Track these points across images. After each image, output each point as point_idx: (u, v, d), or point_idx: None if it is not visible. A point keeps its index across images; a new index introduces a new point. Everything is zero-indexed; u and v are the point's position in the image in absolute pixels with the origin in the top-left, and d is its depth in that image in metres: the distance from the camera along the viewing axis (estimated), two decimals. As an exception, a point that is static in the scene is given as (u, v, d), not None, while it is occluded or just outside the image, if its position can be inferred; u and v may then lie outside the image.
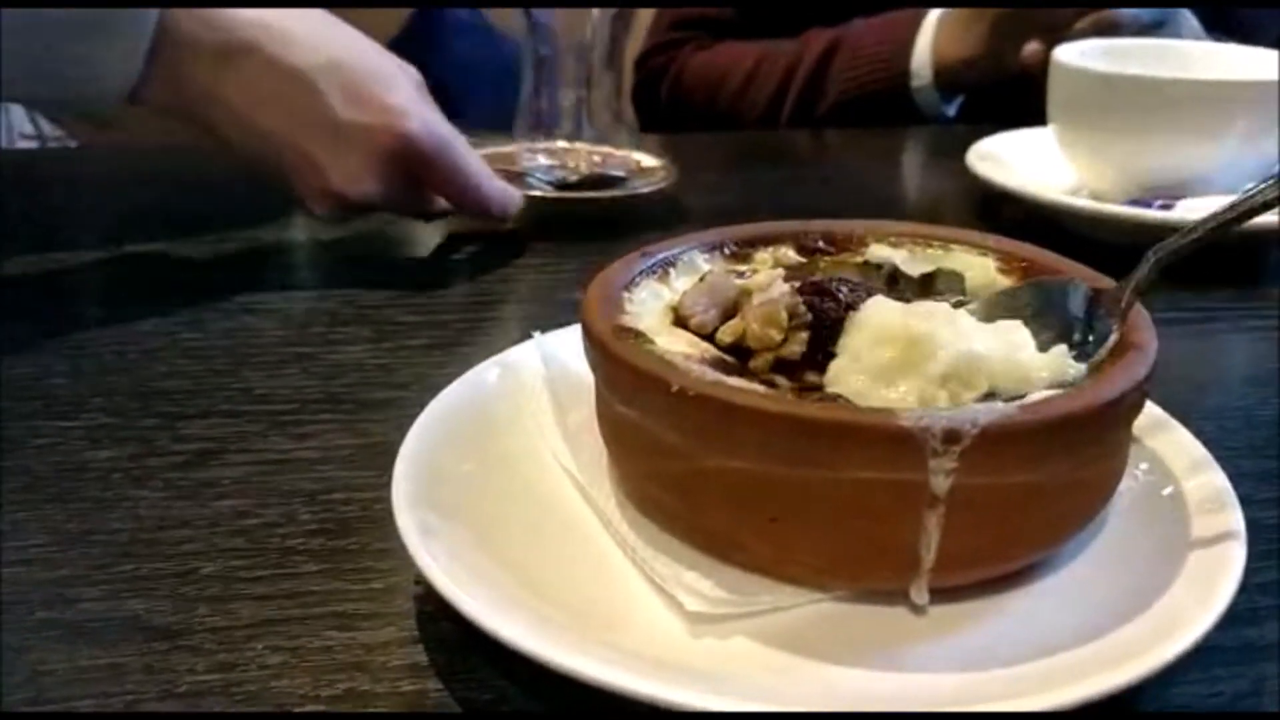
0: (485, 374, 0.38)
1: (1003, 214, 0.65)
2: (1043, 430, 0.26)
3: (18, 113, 1.72)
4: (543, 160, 0.69)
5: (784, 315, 0.31)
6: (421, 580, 0.31)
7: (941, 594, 0.28)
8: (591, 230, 0.64)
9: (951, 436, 0.25)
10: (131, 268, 0.60)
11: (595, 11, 0.67)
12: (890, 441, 0.25)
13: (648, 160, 0.71)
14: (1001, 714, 0.24)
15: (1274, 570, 0.33)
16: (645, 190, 0.67)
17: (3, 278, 0.57)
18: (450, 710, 0.28)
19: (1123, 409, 0.27)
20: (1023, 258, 0.36)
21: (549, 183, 0.67)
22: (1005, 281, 0.36)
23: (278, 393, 0.45)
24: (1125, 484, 0.32)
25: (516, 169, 0.68)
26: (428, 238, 0.65)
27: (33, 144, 1.74)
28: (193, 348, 0.49)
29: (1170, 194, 0.58)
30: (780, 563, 0.29)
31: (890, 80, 0.89)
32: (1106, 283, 0.34)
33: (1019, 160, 0.66)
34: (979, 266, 0.37)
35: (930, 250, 0.38)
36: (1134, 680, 0.24)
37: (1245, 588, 0.29)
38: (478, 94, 1.67)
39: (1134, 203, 0.59)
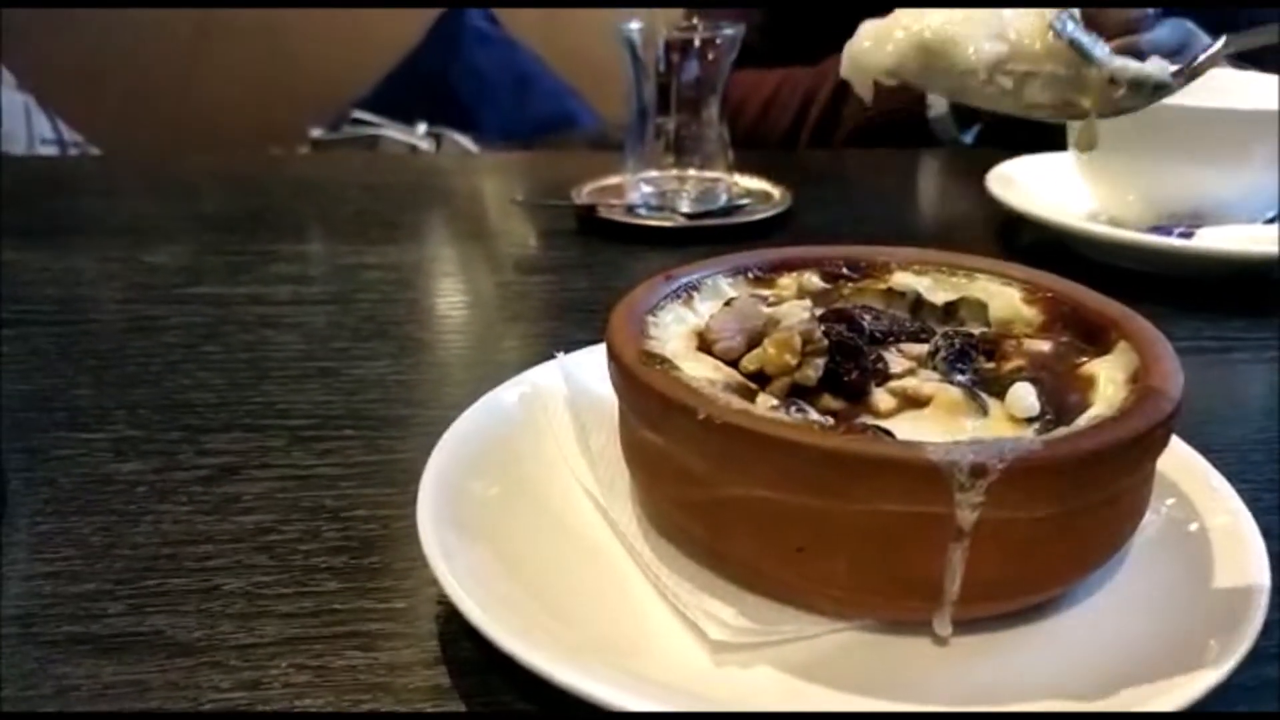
0: (507, 394, 0.38)
1: (1021, 238, 0.65)
2: (1068, 465, 0.26)
3: (40, 118, 1.73)
4: (648, 190, 0.70)
5: (798, 341, 0.31)
6: (444, 600, 0.31)
7: (964, 625, 0.29)
8: (610, 249, 0.64)
9: (978, 471, 0.25)
10: (153, 278, 0.60)
11: (697, 37, 0.67)
12: (917, 475, 0.26)
13: (750, 184, 0.73)
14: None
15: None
16: (768, 215, 0.68)
17: (26, 287, 0.58)
18: (473, 732, 0.28)
19: (1148, 445, 0.27)
20: (1048, 288, 0.36)
21: (657, 210, 0.68)
22: (1029, 312, 0.36)
23: (299, 407, 0.45)
24: (1149, 518, 0.32)
25: (625, 201, 0.69)
26: (451, 254, 0.65)
27: (53, 149, 1.76)
28: (215, 360, 0.49)
29: (1191, 222, 0.58)
30: (805, 592, 0.29)
31: (907, 108, 0.89)
32: (1124, 312, 0.34)
33: (1038, 185, 0.66)
34: (1003, 296, 0.37)
35: (954, 279, 0.38)
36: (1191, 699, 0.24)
37: (1267, 625, 0.29)
38: (494, 103, 1.68)
39: (1154, 229, 0.59)
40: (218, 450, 0.41)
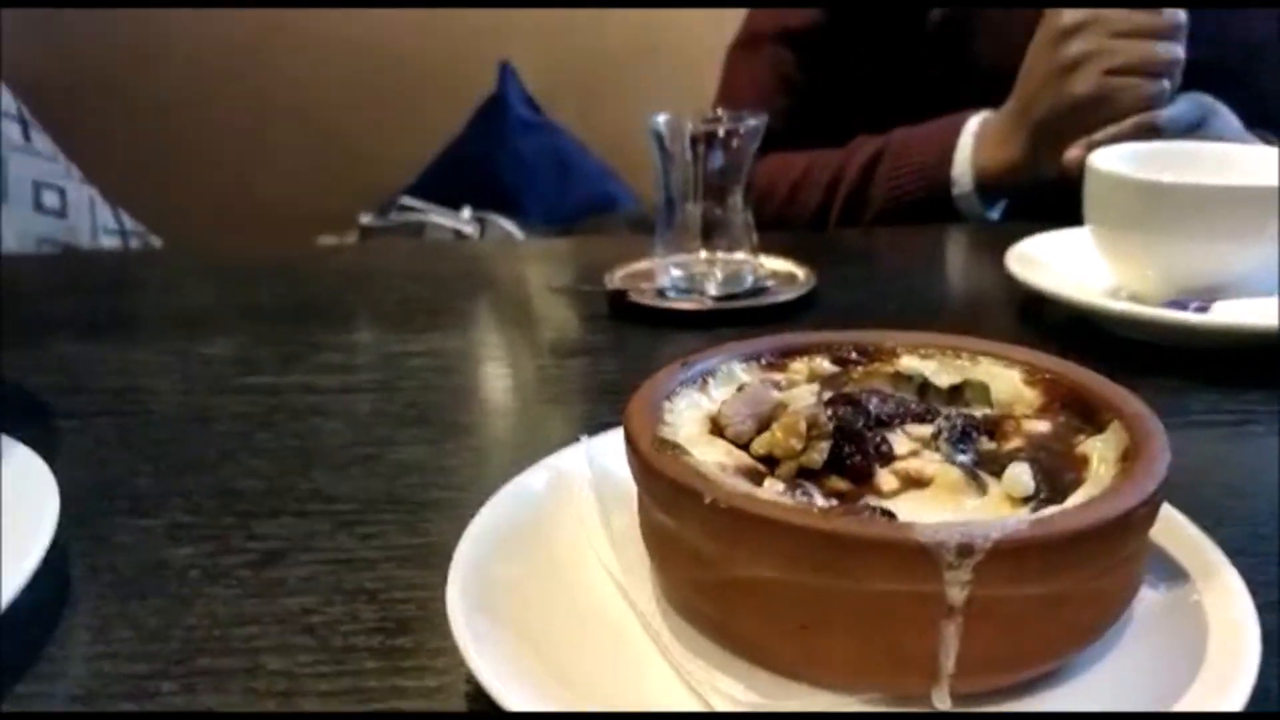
0: (534, 478, 0.40)
1: (1043, 315, 0.66)
2: (1053, 545, 0.28)
3: (103, 210, 1.82)
4: (677, 274, 0.73)
5: (803, 425, 0.33)
6: (472, 680, 0.33)
7: (964, 699, 0.30)
8: (641, 331, 0.67)
9: (965, 550, 0.27)
10: (208, 369, 0.64)
11: (721, 129, 0.70)
12: (907, 555, 0.27)
13: (776, 265, 0.76)
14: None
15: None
16: (793, 296, 0.71)
17: (89, 378, 0.62)
18: (498, 806, 0.30)
19: (1132, 524, 0.29)
20: (1047, 369, 0.38)
21: (686, 292, 0.71)
22: (1030, 393, 0.38)
23: (343, 493, 0.47)
24: (1147, 593, 0.33)
25: (656, 284, 0.72)
26: (491, 339, 0.68)
27: (116, 239, 1.84)
28: (266, 448, 0.52)
29: (1207, 296, 0.59)
30: (809, 667, 0.30)
31: (932, 189, 0.92)
32: (1119, 392, 0.35)
33: (1059, 261, 0.68)
34: (1005, 378, 0.38)
35: (959, 361, 0.40)
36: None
37: (1269, 694, 0.30)
38: (538, 188, 1.74)
39: (1171, 304, 0.60)
40: (266, 535, 0.44)
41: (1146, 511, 0.29)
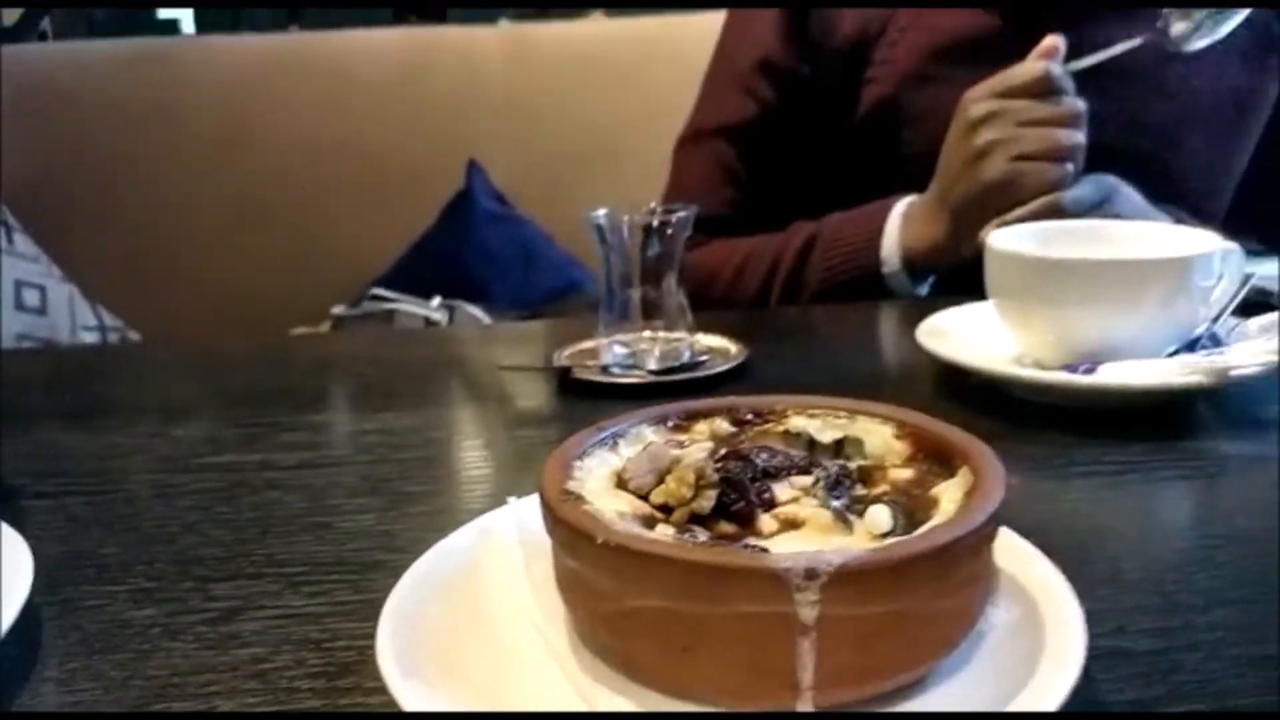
0: (463, 535, 0.45)
1: (955, 381, 0.71)
2: (890, 568, 0.32)
3: (82, 306, 1.87)
4: (620, 351, 0.78)
5: (692, 476, 0.38)
6: (403, 714, 0.37)
7: (829, 712, 0.34)
8: (585, 404, 0.72)
9: (811, 574, 0.31)
10: (177, 449, 0.68)
11: (655, 220, 0.76)
12: (764, 580, 0.32)
13: (711, 341, 0.82)
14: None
15: (1140, 687, 0.38)
16: (726, 368, 0.76)
17: (65, 463, 0.66)
18: (419, 818, 0.34)
19: (960, 551, 0.33)
20: (914, 425, 0.43)
21: (628, 368, 0.77)
22: (899, 446, 0.43)
23: (295, 557, 0.51)
24: (999, 614, 0.38)
25: (600, 362, 0.77)
26: (444, 417, 0.73)
27: (95, 335, 1.89)
28: (225, 520, 0.56)
29: (1096, 359, 0.65)
30: (693, 686, 0.34)
31: (864, 269, 0.98)
32: (971, 442, 0.40)
33: (969, 332, 0.73)
34: (878, 433, 0.43)
35: (839, 420, 0.45)
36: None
37: (1107, 703, 0.35)
38: (505, 277, 1.80)
39: (1065, 368, 0.65)
40: (222, 596, 0.48)
41: (974, 541, 0.34)
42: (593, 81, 1.86)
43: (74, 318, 1.87)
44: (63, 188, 1.81)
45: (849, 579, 0.32)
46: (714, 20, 1.23)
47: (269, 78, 1.86)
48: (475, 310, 1.66)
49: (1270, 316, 0.68)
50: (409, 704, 0.34)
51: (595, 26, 2.19)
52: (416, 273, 1.75)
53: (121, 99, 1.84)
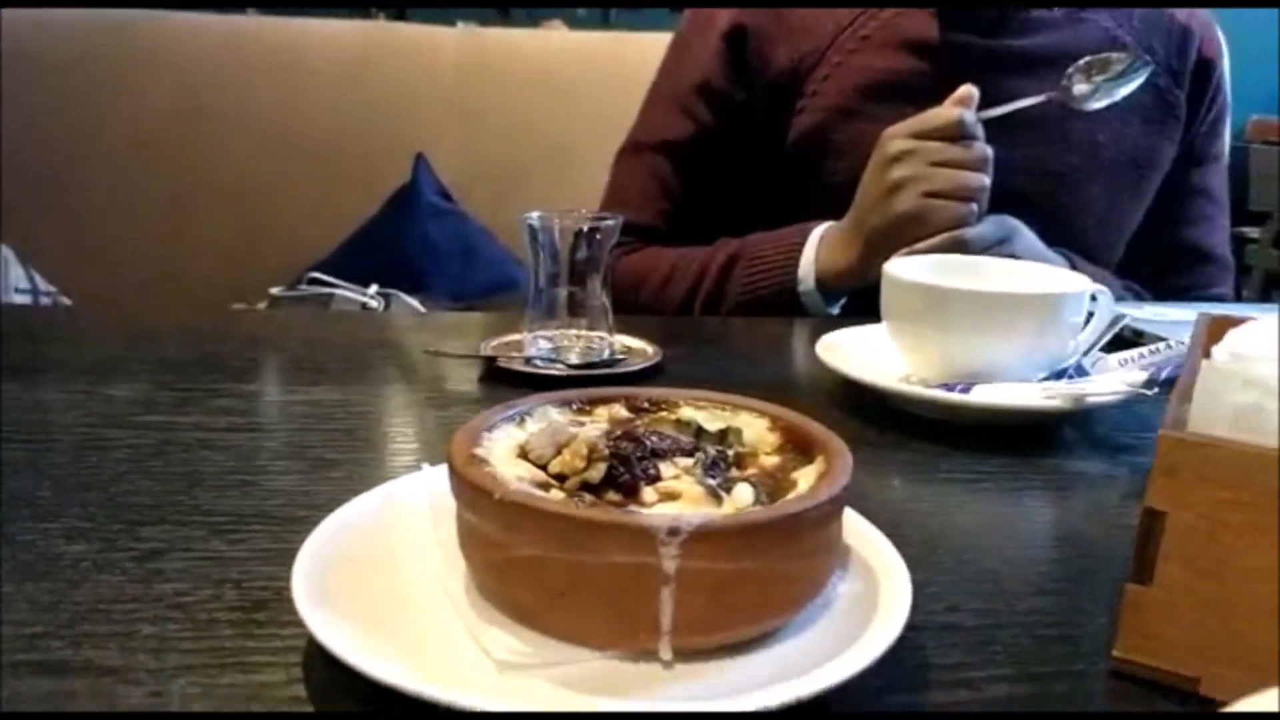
0: (378, 494, 0.49)
1: (848, 392, 0.78)
2: (741, 531, 0.38)
3: (15, 269, 1.86)
4: (544, 344, 0.83)
5: (585, 450, 0.43)
6: (312, 641, 0.41)
7: (687, 656, 0.39)
8: (507, 391, 0.76)
9: (674, 531, 0.37)
10: (110, 407, 0.71)
11: (584, 225, 0.82)
12: (633, 534, 0.37)
13: (630, 342, 0.87)
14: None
15: (962, 654, 0.44)
16: (641, 367, 0.81)
17: (9, 412, 0.69)
18: (318, 729, 0.38)
19: (803, 522, 0.39)
20: (785, 419, 0.49)
21: (551, 361, 0.82)
22: (771, 436, 0.48)
23: (221, 509, 0.55)
24: (845, 585, 0.44)
25: (524, 353, 0.82)
26: (369, 393, 0.77)
27: (26, 298, 1.88)
28: (156, 473, 0.60)
29: (972, 380, 0.71)
30: (567, 627, 0.39)
31: (780, 286, 1.04)
32: (829, 435, 0.46)
33: (864, 349, 0.80)
34: (754, 425, 0.49)
35: (723, 412, 0.50)
36: (810, 695, 0.36)
37: (931, 666, 0.41)
38: (444, 270, 1.84)
39: (943, 386, 0.72)
40: (149, 538, 0.52)
41: (817, 515, 0.40)
42: (543, 89, 1.91)
43: (6, 278, 1.87)
44: (7, 154, 1.81)
45: (706, 537, 0.37)
46: (663, 40, 1.29)
47: (224, 58, 1.87)
48: (412, 300, 1.69)
49: (1130, 352, 0.75)
50: (319, 631, 0.38)
51: (549, 37, 2.24)
52: (357, 260, 1.78)
53: (73, 68, 1.84)
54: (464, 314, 1.25)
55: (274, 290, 1.71)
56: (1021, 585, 0.51)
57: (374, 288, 1.68)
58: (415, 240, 1.82)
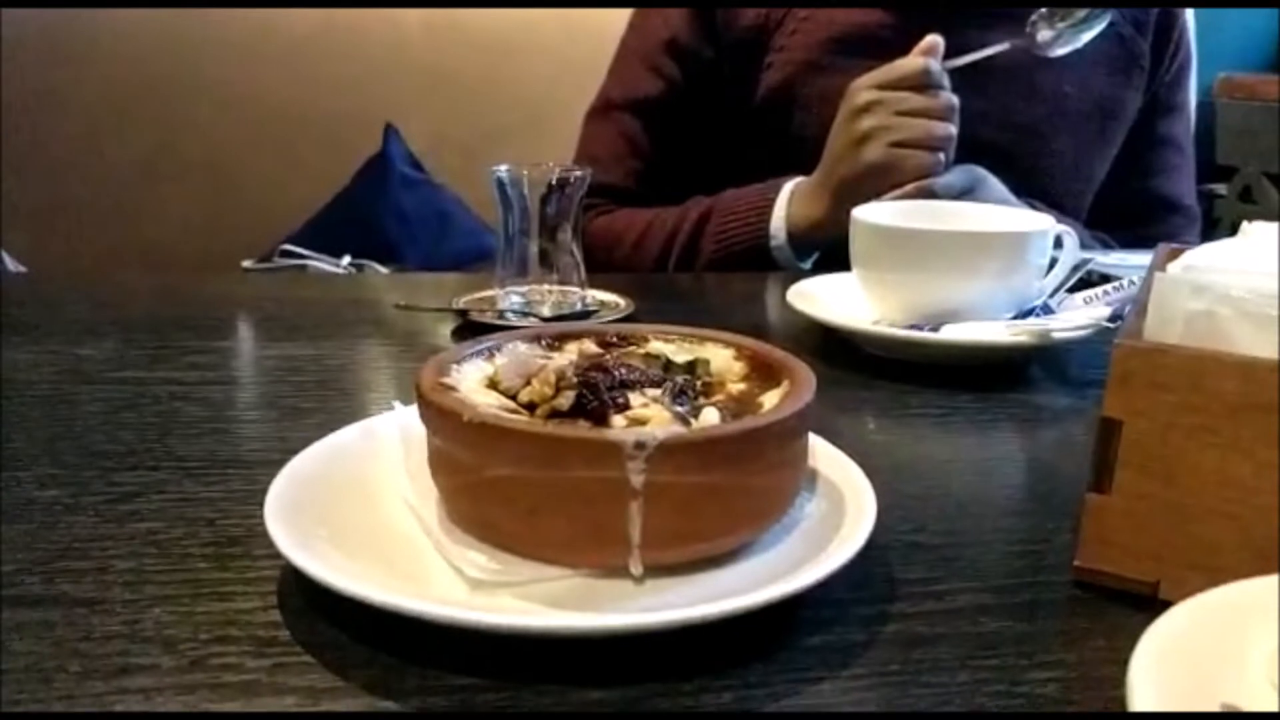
0: (350, 430, 0.50)
1: (822, 338, 0.78)
2: (706, 444, 0.38)
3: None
4: (516, 299, 0.83)
5: (553, 378, 0.44)
6: (285, 569, 0.42)
7: (657, 572, 0.40)
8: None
9: (640, 445, 0.37)
10: (81, 365, 0.71)
11: (553, 178, 0.81)
12: (600, 449, 0.37)
13: (602, 296, 0.87)
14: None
15: (927, 569, 0.45)
16: (613, 319, 0.81)
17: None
18: (295, 650, 0.38)
19: (766, 436, 0.40)
20: (751, 348, 0.49)
21: (524, 315, 0.82)
22: (737, 365, 0.49)
23: (194, 454, 0.56)
24: (811, 505, 0.45)
25: (496, 307, 0.82)
26: (340, 348, 0.77)
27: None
28: (129, 424, 0.60)
29: (939, 320, 0.72)
30: (538, 546, 0.40)
31: (753, 241, 1.05)
32: (794, 362, 0.46)
33: (833, 297, 0.80)
34: (721, 356, 0.50)
35: (690, 345, 0.51)
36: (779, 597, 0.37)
37: (898, 580, 0.42)
38: (417, 240, 1.83)
39: (911, 327, 0.73)
40: (123, 483, 0.52)
41: (779, 429, 0.40)
42: (513, 55, 1.90)
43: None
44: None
45: (673, 450, 0.38)
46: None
47: (192, 26, 1.85)
48: (385, 271, 1.69)
49: (1093, 291, 0.76)
50: (290, 552, 0.39)
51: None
52: (329, 232, 1.77)
53: (37, 39, 1.82)
54: (438, 274, 1.25)
55: (246, 263, 1.70)
56: (987, 508, 0.52)
57: (347, 259, 1.67)
58: (387, 211, 1.81)
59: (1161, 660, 0.32)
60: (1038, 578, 0.45)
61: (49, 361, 0.72)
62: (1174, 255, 0.55)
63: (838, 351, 0.76)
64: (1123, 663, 0.32)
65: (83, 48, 1.83)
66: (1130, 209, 1.25)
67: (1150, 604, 0.41)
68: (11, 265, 1.86)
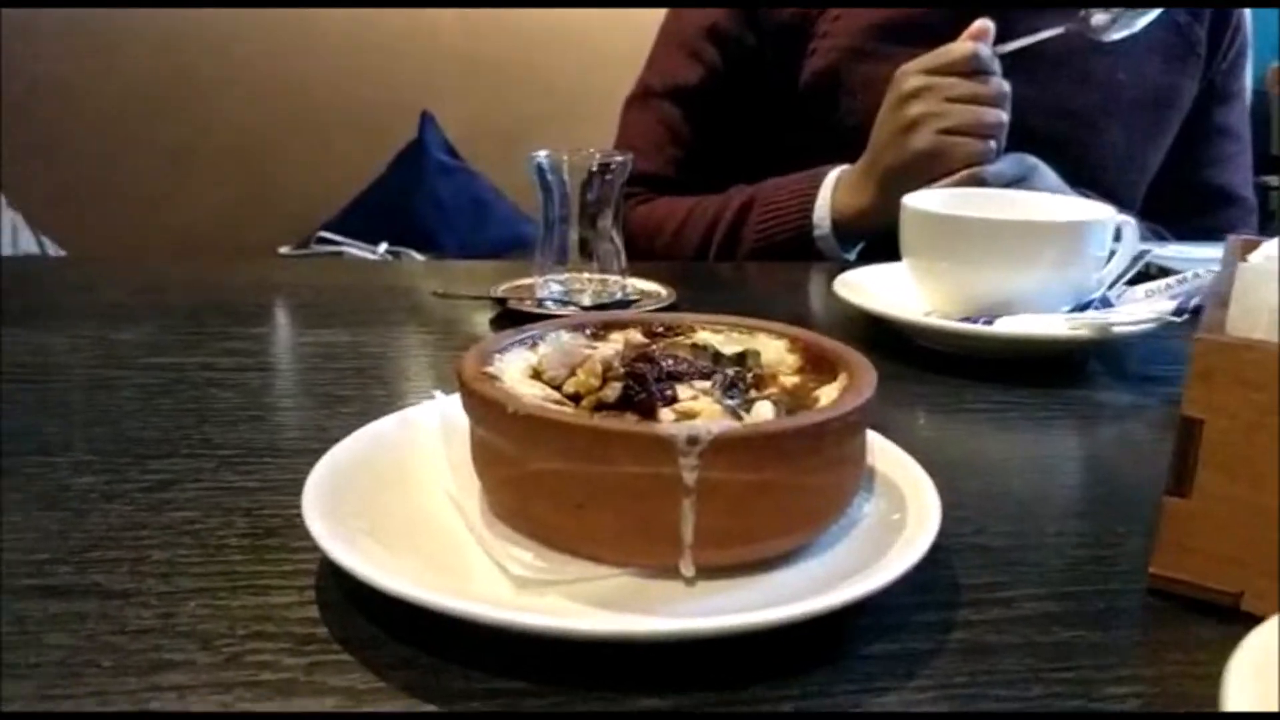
0: (389, 420, 0.48)
1: (867, 330, 0.76)
2: (762, 439, 0.36)
3: (25, 234, 1.85)
4: (555, 287, 0.81)
5: (600, 369, 0.42)
6: (323, 563, 0.40)
7: (710, 573, 0.38)
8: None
9: (693, 440, 0.35)
10: (117, 350, 0.70)
11: (594, 164, 0.80)
12: (652, 444, 0.36)
13: (643, 285, 0.85)
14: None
15: (991, 574, 0.43)
16: (655, 308, 0.80)
17: (10, 355, 0.68)
18: (333, 648, 0.37)
19: (825, 432, 0.38)
20: (804, 339, 0.47)
21: (563, 303, 0.80)
22: (790, 357, 0.47)
23: (231, 442, 0.55)
24: (873, 506, 0.43)
25: (535, 295, 0.81)
26: (378, 335, 0.76)
27: (36, 264, 1.87)
28: (164, 410, 0.59)
29: (993, 313, 0.70)
30: (584, 541, 0.38)
31: (796, 231, 1.02)
32: (850, 353, 0.44)
33: (882, 288, 0.78)
34: (773, 347, 0.48)
35: (740, 335, 0.49)
36: (845, 602, 0.35)
37: (962, 585, 0.40)
38: (454, 228, 1.82)
39: (965, 320, 0.70)
40: (159, 470, 0.51)
41: (839, 425, 0.38)
42: (549, 42, 1.88)
43: (16, 245, 1.86)
44: (10, 121, 1.79)
45: (726, 446, 0.36)
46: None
47: (226, 15, 1.85)
48: (421, 259, 1.68)
49: (1155, 283, 0.73)
50: (328, 546, 0.37)
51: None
52: (365, 219, 1.77)
53: (73, 31, 1.82)
54: (476, 262, 1.24)
55: (283, 250, 1.70)
56: (1050, 509, 0.50)
57: (383, 246, 1.67)
58: (424, 198, 1.81)
59: (1258, 676, 0.29)
60: (1109, 585, 0.42)
61: (86, 347, 0.71)
62: (1249, 247, 0.52)
63: (886, 344, 0.73)
64: (1206, 678, 0.30)
65: (115, 38, 1.83)
66: (1185, 200, 1.22)
67: (1232, 615, 0.39)
68: (52, 250, 1.88)
